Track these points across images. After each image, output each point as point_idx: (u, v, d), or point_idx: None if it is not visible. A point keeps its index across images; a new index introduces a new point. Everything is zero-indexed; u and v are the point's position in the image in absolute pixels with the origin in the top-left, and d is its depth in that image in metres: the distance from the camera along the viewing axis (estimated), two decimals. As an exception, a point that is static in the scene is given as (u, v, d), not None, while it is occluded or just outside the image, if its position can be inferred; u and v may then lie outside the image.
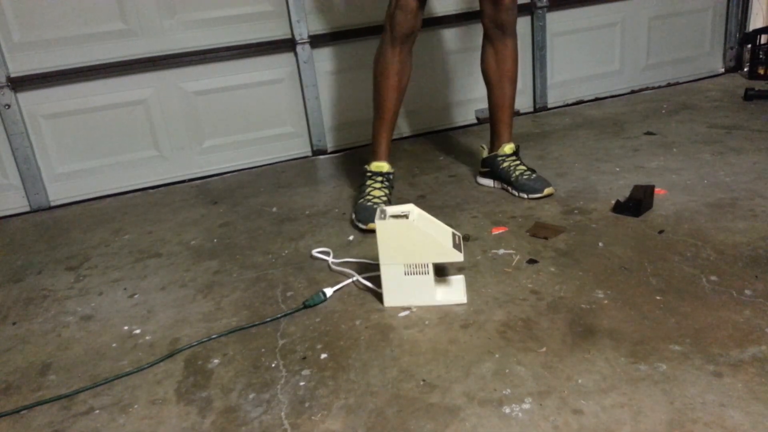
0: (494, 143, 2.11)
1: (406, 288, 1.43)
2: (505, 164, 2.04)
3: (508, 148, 2.05)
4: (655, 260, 1.52)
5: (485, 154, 2.12)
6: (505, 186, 2.06)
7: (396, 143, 2.76)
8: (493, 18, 1.92)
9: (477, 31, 2.82)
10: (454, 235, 1.43)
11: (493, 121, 2.08)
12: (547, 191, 1.95)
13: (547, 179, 2.02)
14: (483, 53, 2.02)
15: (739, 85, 3.02)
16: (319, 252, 1.75)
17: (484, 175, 2.14)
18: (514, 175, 2.00)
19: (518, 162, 2.04)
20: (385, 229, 1.39)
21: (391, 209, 1.43)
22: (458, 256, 1.39)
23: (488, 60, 2.00)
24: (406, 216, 1.39)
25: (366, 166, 2.01)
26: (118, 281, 1.75)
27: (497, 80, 2.01)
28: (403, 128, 2.83)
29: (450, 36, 2.80)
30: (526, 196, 1.97)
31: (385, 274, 1.43)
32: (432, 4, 2.71)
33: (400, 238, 1.39)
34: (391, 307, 1.45)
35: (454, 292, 1.46)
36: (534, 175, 1.99)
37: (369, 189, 1.95)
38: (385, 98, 1.92)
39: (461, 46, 2.83)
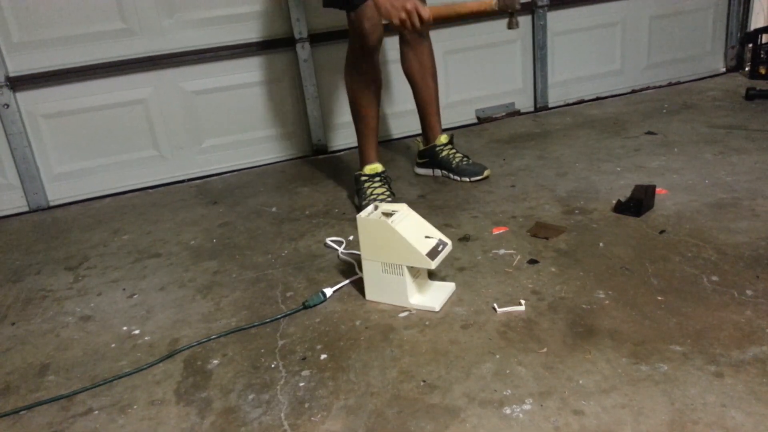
0: (428, 136, 2.25)
1: (383, 285, 1.44)
2: (444, 153, 2.21)
3: (443, 138, 2.22)
4: (656, 260, 1.51)
5: (421, 146, 2.27)
6: (446, 173, 2.23)
7: (396, 143, 2.76)
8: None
9: (477, 30, 2.82)
10: (439, 241, 1.41)
11: (423, 116, 2.22)
12: (486, 173, 2.15)
13: (484, 164, 2.21)
14: (403, 57, 2.15)
15: (741, 84, 3.02)
16: (333, 240, 1.81)
17: (422, 165, 2.29)
18: (454, 162, 2.19)
19: (455, 150, 2.22)
20: (364, 225, 1.42)
21: (384, 206, 1.45)
22: (429, 264, 1.36)
23: (410, 62, 2.14)
24: (389, 215, 1.40)
25: (359, 172, 2.02)
26: (117, 281, 1.75)
27: (421, 78, 2.15)
28: (404, 128, 2.83)
29: (449, 37, 2.79)
30: (468, 179, 2.16)
31: (366, 268, 1.45)
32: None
33: (377, 236, 1.40)
34: (372, 301, 1.47)
35: (430, 298, 1.43)
36: (471, 161, 2.20)
37: (370, 190, 1.95)
38: (368, 108, 1.98)
39: (460, 47, 2.82)
